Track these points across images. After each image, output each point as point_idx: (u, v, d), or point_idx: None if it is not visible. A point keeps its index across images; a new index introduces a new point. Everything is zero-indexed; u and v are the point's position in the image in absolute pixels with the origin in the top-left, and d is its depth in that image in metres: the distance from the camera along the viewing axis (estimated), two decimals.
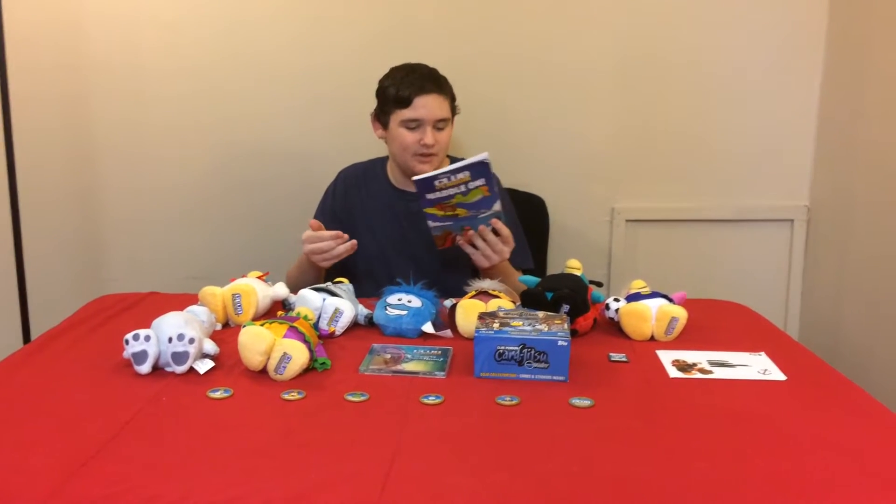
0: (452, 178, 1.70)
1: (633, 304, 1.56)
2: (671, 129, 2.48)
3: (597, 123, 2.48)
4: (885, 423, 1.18)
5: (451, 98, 1.94)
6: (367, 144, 2.10)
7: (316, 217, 2.07)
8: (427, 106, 1.87)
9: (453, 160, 2.08)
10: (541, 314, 1.43)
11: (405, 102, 1.87)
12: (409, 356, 1.44)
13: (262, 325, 1.37)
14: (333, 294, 1.60)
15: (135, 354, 1.33)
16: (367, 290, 1.78)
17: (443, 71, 1.95)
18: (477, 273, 1.85)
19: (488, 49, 2.43)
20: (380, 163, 2.08)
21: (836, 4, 2.37)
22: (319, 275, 1.92)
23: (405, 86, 1.88)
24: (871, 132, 2.22)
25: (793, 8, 2.40)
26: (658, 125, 2.48)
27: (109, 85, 2.44)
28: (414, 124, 1.89)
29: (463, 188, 1.71)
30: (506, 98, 2.46)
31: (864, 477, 1.02)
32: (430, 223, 1.77)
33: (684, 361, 1.42)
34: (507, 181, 2.10)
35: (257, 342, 1.32)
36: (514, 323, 1.38)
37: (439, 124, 1.89)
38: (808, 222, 2.52)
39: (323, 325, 1.55)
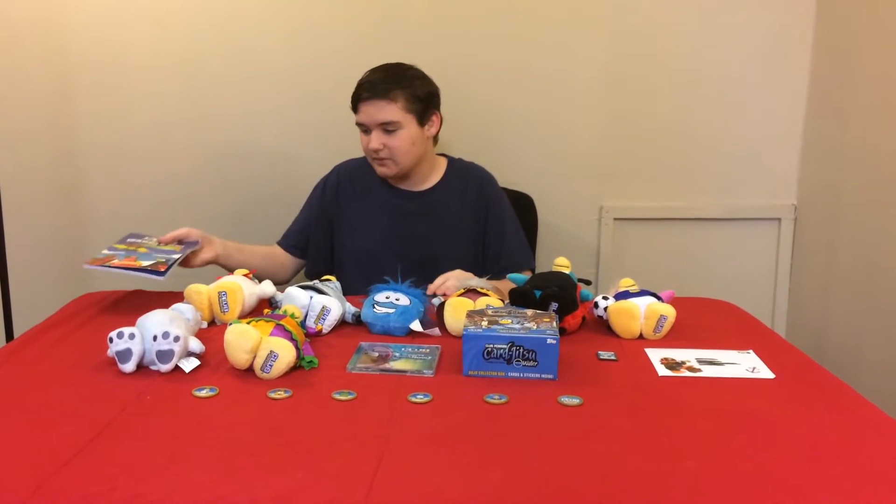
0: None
1: (622, 303, 1.55)
2: (659, 128, 2.49)
3: (585, 122, 2.48)
4: (873, 420, 1.19)
5: (411, 99, 1.87)
6: (351, 145, 2.08)
7: (303, 208, 2.06)
8: (367, 112, 1.87)
9: (451, 161, 2.06)
10: (529, 312, 1.43)
11: (353, 107, 1.90)
12: (396, 354, 1.43)
13: (248, 322, 1.36)
14: (321, 292, 1.59)
15: (119, 353, 1.32)
16: (357, 286, 1.77)
17: (430, 70, 1.94)
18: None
19: (477, 48, 2.42)
20: None
21: (824, 5, 2.38)
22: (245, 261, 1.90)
23: (356, 90, 1.89)
24: (858, 132, 2.23)
25: (780, 9, 2.40)
26: (646, 124, 2.49)
27: (93, 81, 2.41)
28: (363, 127, 1.90)
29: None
30: (494, 96, 2.45)
31: (851, 473, 1.02)
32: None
33: (673, 359, 1.42)
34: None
35: (243, 340, 1.31)
36: (503, 321, 1.38)
37: (388, 127, 1.87)
38: (795, 221, 2.53)
39: (310, 323, 1.54)
